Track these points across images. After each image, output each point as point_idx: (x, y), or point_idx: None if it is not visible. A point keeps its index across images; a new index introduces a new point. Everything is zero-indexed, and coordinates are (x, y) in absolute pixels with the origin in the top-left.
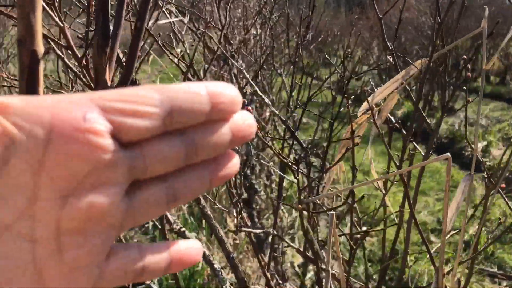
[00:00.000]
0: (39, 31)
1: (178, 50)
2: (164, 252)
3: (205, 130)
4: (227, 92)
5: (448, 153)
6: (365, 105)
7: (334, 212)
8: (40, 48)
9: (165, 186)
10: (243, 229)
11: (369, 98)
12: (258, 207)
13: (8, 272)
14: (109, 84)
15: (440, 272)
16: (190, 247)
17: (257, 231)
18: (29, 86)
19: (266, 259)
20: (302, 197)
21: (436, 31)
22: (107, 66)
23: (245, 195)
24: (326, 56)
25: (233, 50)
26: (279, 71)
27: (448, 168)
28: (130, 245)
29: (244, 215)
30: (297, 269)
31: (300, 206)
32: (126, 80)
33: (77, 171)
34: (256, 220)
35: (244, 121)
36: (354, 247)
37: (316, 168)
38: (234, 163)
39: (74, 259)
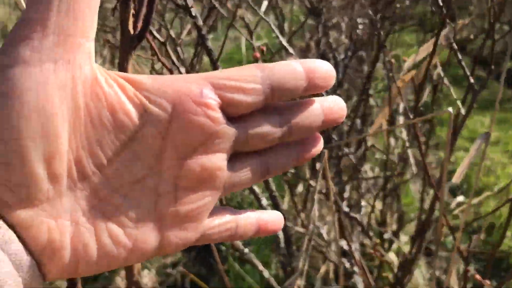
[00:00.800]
0: None
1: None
2: (253, 219)
3: (300, 111)
4: (322, 67)
5: None
6: (409, 62)
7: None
8: None
9: (260, 160)
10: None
11: (411, 57)
12: None
13: (135, 217)
14: (131, 33)
15: None
16: (274, 218)
17: None
18: None
19: None
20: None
21: None
22: (130, 17)
23: None
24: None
25: None
26: None
27: None
28: (226, 209)
29: None
30: None
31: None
32: (144, 31)
33: (194, 139)
34: None
35: (336, 104)
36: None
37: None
38: (319, 146)
39: (186, 212)
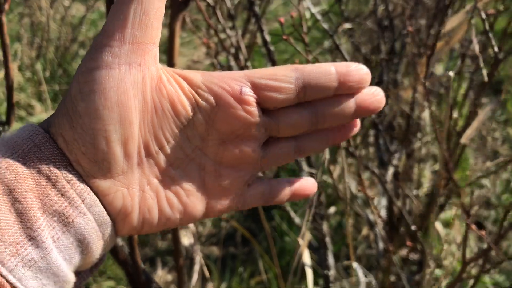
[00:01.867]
0: None
1: None
2: (287, 186)
3: (331, 103)
4: (355, 71)
5: None
6: (443, 32)
7: None
8: None
9: (293, 144)
10: None
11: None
12: None
13: (186, 187)
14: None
15: None
16: (306, 184)
17: None
18: None
19: None
20: None
21: None
22: None
23: None
24: None
25: None
26: None
27: None
28: (264, 180)
29: None
30: None
31: None
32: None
33: (234, 127)
34: None
35: (372, 96)
36: None
37: None
38: (353, 132)
39: (227, 184)
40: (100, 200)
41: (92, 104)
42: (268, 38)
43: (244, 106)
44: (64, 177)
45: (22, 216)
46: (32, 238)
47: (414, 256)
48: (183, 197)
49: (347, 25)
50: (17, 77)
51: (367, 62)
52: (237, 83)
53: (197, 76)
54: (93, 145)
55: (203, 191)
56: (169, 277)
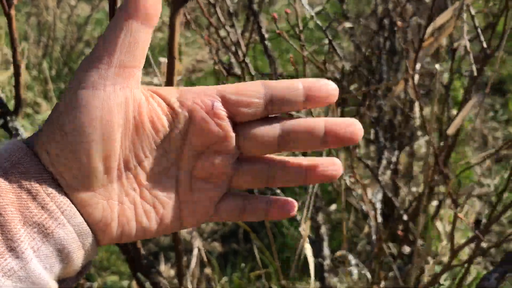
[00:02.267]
0: None
1: None
2: (262, 205)
3: (299, 122)
4: (322, 87)
5: None
6: (430, 28)
7: None
8: None
9: (266, 168)
10: None
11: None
12: None
13: (162, 199)
14: None
15: None
16: (283, 204)
17: None
18: None
19: None
20: None
21: None
22: None
23: None
24: None
25: None
26: None
27: None
28: (241, 196)
29: None
30: None
31: None
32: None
33: (207, 141)
34: None
35: (346, 126)
36: None
37: None
38: (333, 171)
39: (199, 197)
40: (80, 212)
41: (78, 122)
42: (265, 34)
43: (216, 120)
44: (44, 191)
45: (3, 228)
46: (12, 249)
47: (406, 249)
48: (159, 209)
49: (347, 24)
50: (24, 76)
51: (367, 61)
52: (209, 98)
53: (172, 93)
54: (76, 160)
55: (178, 204)
56: (172, 272)
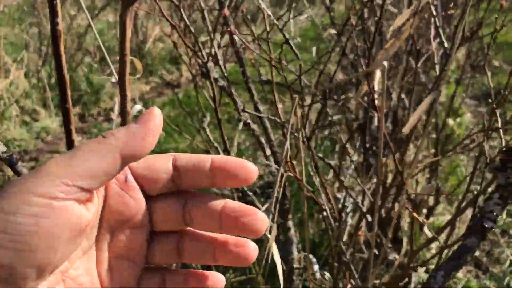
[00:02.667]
0: None
1: None
2: (182, 282)
3: (200, 200)
4: (231, 165)
5: None
6: (392, 29)
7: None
8: None
9: (175, 241)
10: None
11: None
12: None
13: (88, 282)
14: None
15: None
16: (212, 277)
17: None
18: None
19: None
20: None
21: None
22: None
23: None
24: None
25: None
26: None
27: None
28: (156, 269)
29: None
30: None
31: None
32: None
33: (122, 215)
34: None
35: (245, 215)
36: None
37: None
38: (246, 252)
39: (120, 275)
40: None
41: (23, 228)
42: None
43: (129, 193)
44: None
45: None
46: None
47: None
48: None
49: (332, 31)
50: (23, 84)
51: (353, 67)
52: (122, 172)
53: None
54: (10, 265)
55: (100, 285)
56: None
